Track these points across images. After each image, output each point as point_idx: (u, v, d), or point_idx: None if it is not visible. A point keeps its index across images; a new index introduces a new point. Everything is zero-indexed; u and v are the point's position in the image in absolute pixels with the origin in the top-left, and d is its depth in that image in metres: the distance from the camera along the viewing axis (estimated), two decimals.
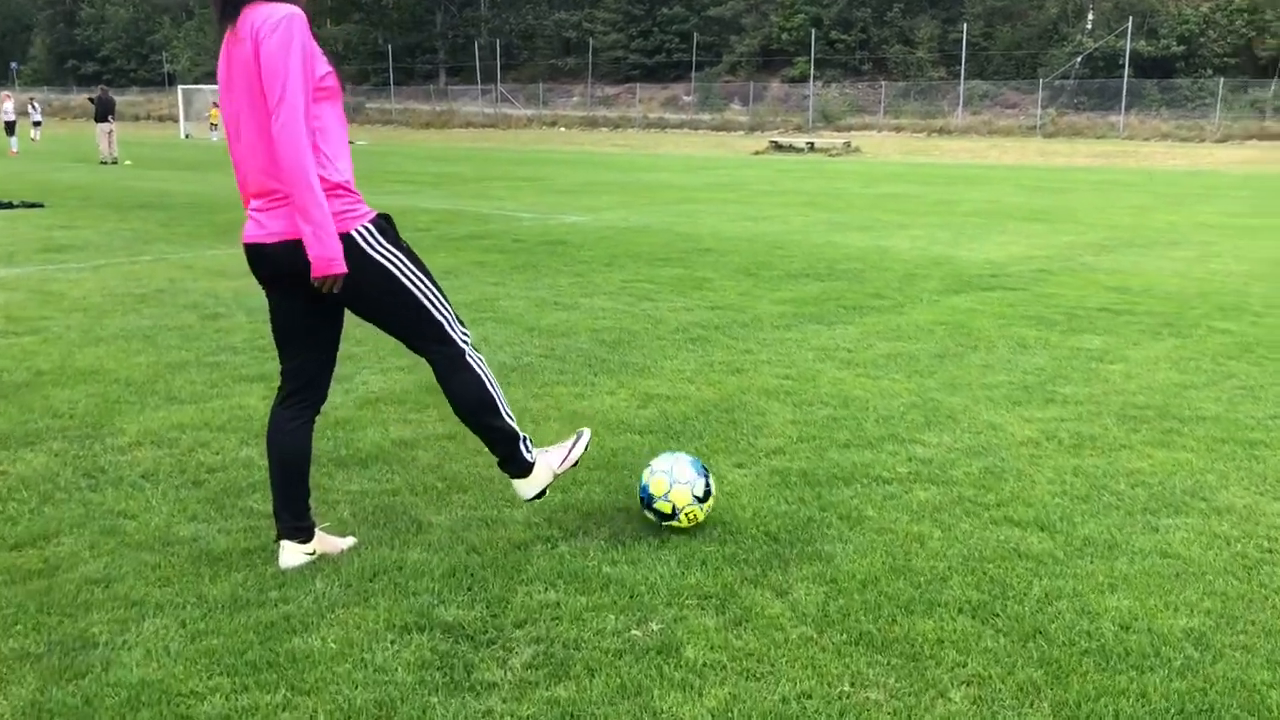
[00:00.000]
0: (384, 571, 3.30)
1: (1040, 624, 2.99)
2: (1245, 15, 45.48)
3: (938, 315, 7.49)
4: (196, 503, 3.88)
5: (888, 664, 2.79)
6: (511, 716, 2.54)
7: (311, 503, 3.41)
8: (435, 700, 2.60)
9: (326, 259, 3.00)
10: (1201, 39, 45.98)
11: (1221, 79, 43.01)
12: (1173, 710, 2.58)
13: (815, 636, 2.93)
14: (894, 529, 3.67)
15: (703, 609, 3.08)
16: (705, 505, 3.59)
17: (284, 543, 3.35)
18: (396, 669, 2.74)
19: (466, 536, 3.56)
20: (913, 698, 2.63)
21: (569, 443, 3.62)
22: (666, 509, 3.56)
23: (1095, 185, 22.26)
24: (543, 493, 3.54)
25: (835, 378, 5.71)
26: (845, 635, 2.93)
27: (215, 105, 48.43)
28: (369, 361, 5.98)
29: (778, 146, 38.92)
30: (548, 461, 3.54)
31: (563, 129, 53.98)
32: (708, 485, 3.60)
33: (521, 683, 2.69)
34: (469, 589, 3.19)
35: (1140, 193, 20.16)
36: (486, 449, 3.52)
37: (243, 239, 3.21)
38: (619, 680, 2.70)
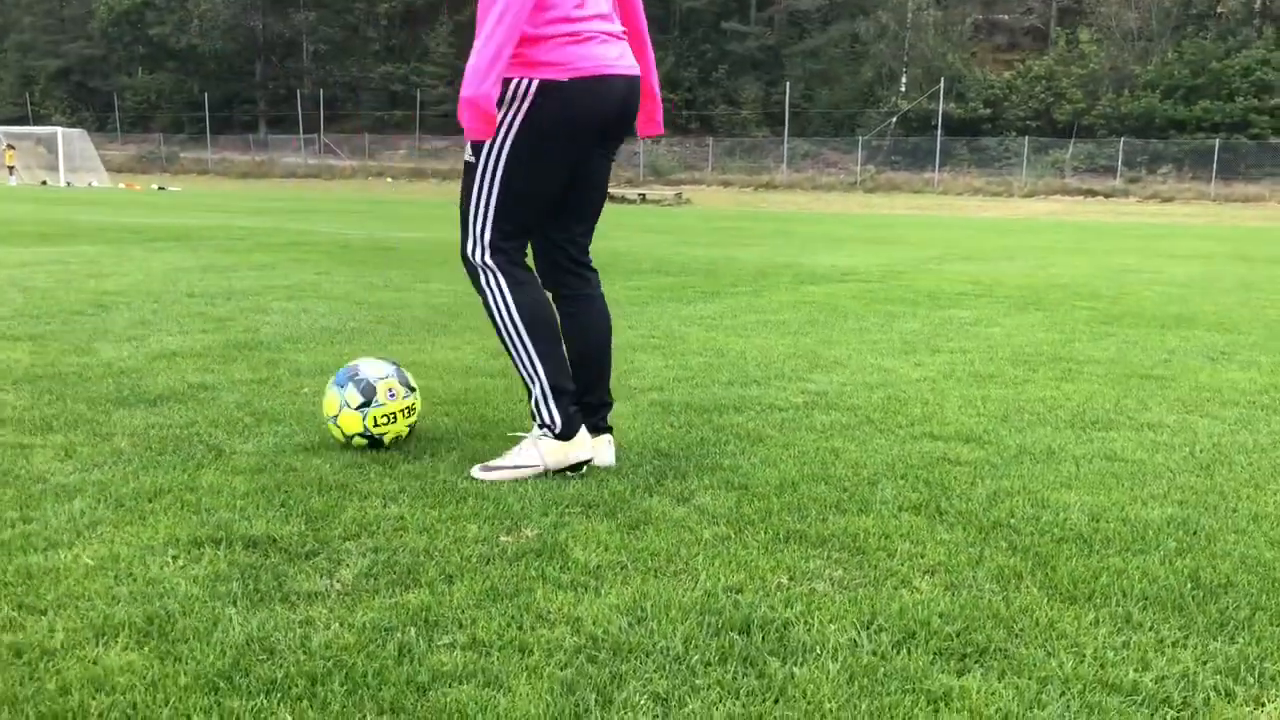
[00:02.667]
0: (168, 491, 2.53)
1: (997, 518, 2.47)
2: (1044, 82, 48.48)
3: (798, 297, 7.09)
4: None
5: (828, 557, 2.20)
6: (343, 624, 1.83)
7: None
8: (231, 612, 1.87)
9: None
10: (1005, 103, 48.73)
11: (1026, 139, 45.56)
12: (1188, 582, 2.08)
13: (733, 535, 2.33)
14: (801, 444, 3.11)
15: (588, 516, 2.44)
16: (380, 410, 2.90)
17: (604, 437, 2.82)
18: (179, 582, 1.99)
19: (281, 460, 2.82)
20: (870, 588, 2.05)
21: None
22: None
23: (919, 224, 22.81)
24: (504, 480, 2.68)
25: (705, 337, 5.17)
26: (769, 533, 2.33)
27: (11, 147, 45.37)
28: (163, 324, 5.11)
29: (609, 198, 38.88)
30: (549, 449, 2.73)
31: (389, 180, 52.79)
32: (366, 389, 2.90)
33: (354, 590, 1.98)
34: (282, 505, 2.45)
35: (964, 229, 20.70)
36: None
37: (600, 68, 2.62)
38: (488, 584, 2.02)
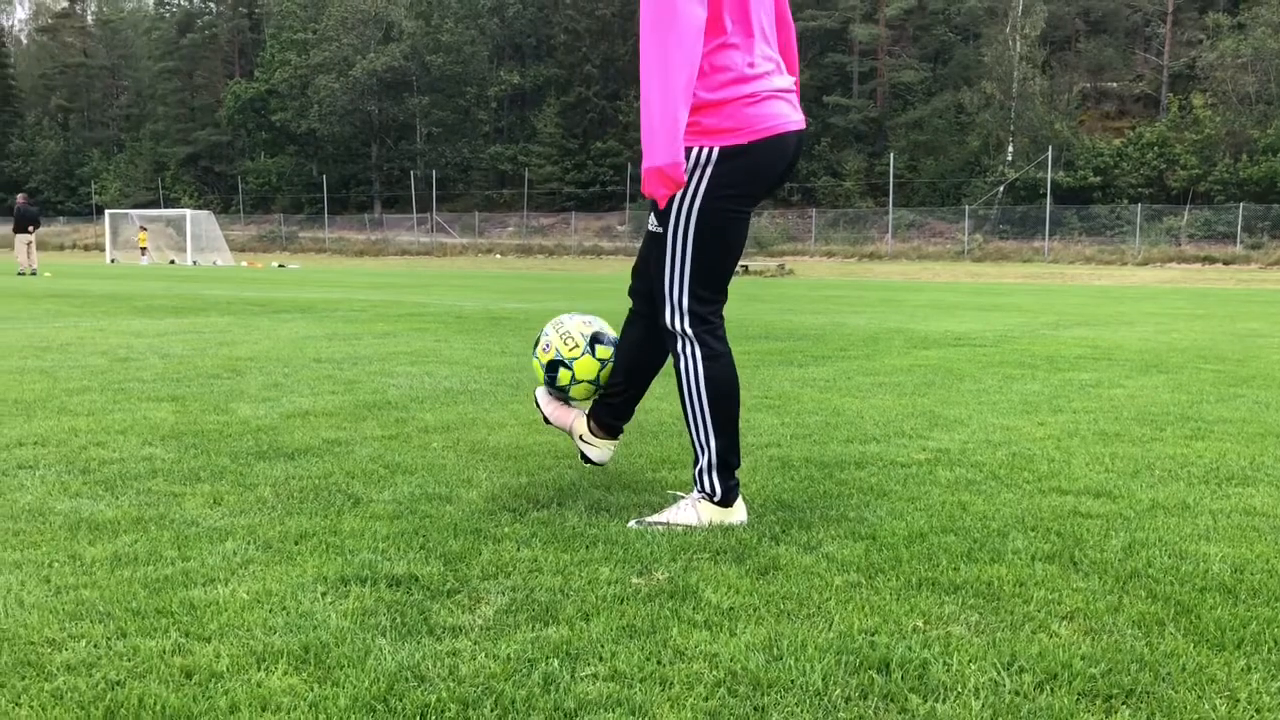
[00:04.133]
0: (313, 535, 2.64)
1: (1134, 568, 2.42)
2: (1156, 149, 47.51)
3: (912, 360, 7.04)
4: (81, 484, 3.18)
5: (962, 603, 2.19)
6: (488, 655, 1.89)
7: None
8: (383, 642, 1.94)
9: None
10: (1116, 170, 47.83)
11: (1139, 206, 44.57)
12: None
13: (863, 581, 2.33)
14: (927, 499, 3.09)
15: (716, 561, 2.47)
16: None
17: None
18: (329, 615, 2.08)
19: (416, 508, 2.92)
20: (1007, 631, 2.03)
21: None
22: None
23: (1031, 292, 22.42)
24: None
25: (819, 398, 5.18)
26: (900, 580, 2.33)
27: (144, 229, 47.80)
28: (295, 386, 5.32)
29: None
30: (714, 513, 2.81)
31: (499, 256, 54.04)
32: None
33: (497, 625, 2.04)
34: (421, 547, 2.54)
35: (1078, 296, 20.28)
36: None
37: (776, 127, 2.68)
38: (624, 621, 2.06)
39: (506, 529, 2.71)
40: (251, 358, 6.65)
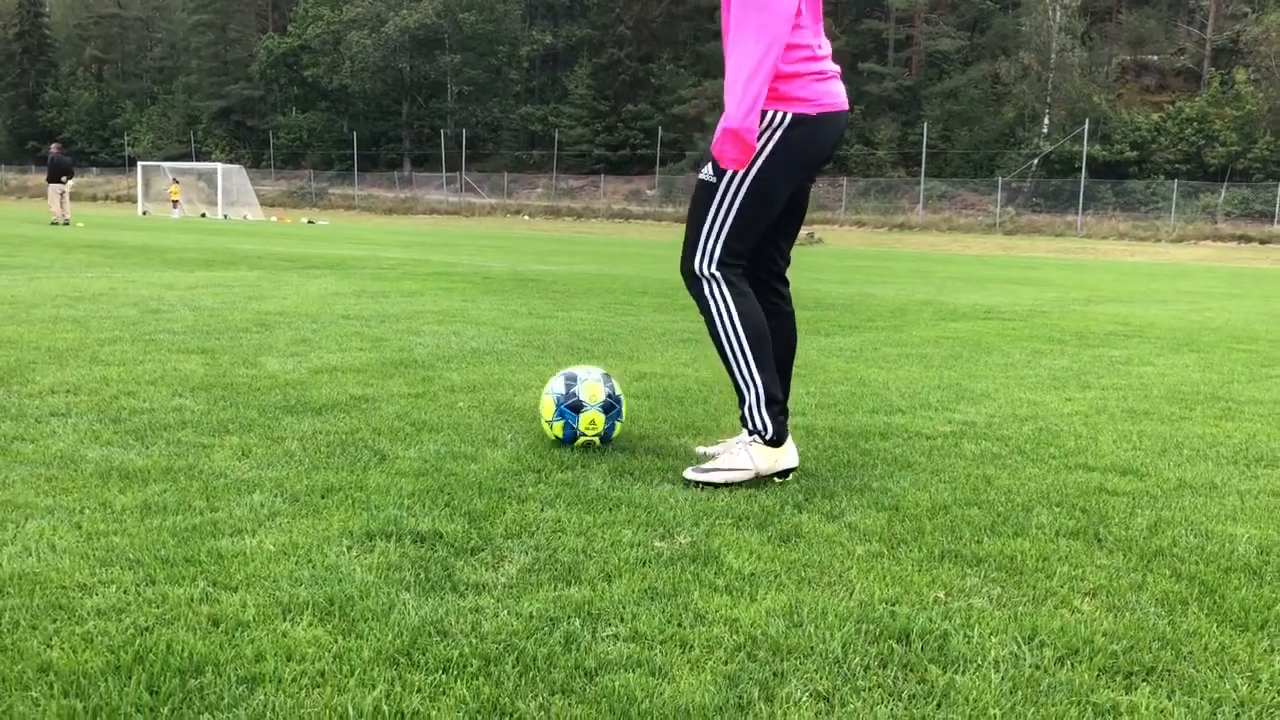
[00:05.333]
0: (339, 489, 2.67)
1: (1159, 547, 2.41)
2: (1195, 124, 46.78)
3: (940, 333, 7.00)
4: (113, 433, 3.22)
5: (984, 576, 2.19)
6: (510, 613, 1.91)
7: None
8: (407, 597, 1.96)
9: None
10: (1153, 145, 47.16)
11: (1175, 182, 43.97)
12: None
13: (885, 551, 2.33)
14: (951, 471, 3.09)
15: (739, 527, 2.47)
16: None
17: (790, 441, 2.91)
18: (354, 569, 2.10)
19: (442, 466, 2.94)
20: (1029, 605, 2.03)
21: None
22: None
23: (1062, 267, 22.21)
24: (717, 483, 2.80)
25: (846, 368, 5.16)
26: (923, 551, 2.33)
27: (176, 182, 47.98)
28: (323, 342, 5.35)
29: None
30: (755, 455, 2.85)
31: (526, 217, 54.00)
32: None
33: (520, 584, 2.06)
34: (446, 505, 2.56)
35: (1110, 272, 20.08)
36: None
37: (837, 104, 2.84)
38: (645, 583, 2.07)
39: (531, 489, 2.72)
40: (280, 312, 6.69)
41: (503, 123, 64.35)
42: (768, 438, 2.84)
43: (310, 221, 43.97)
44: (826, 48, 2.86)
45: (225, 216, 45.94)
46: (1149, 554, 2.36)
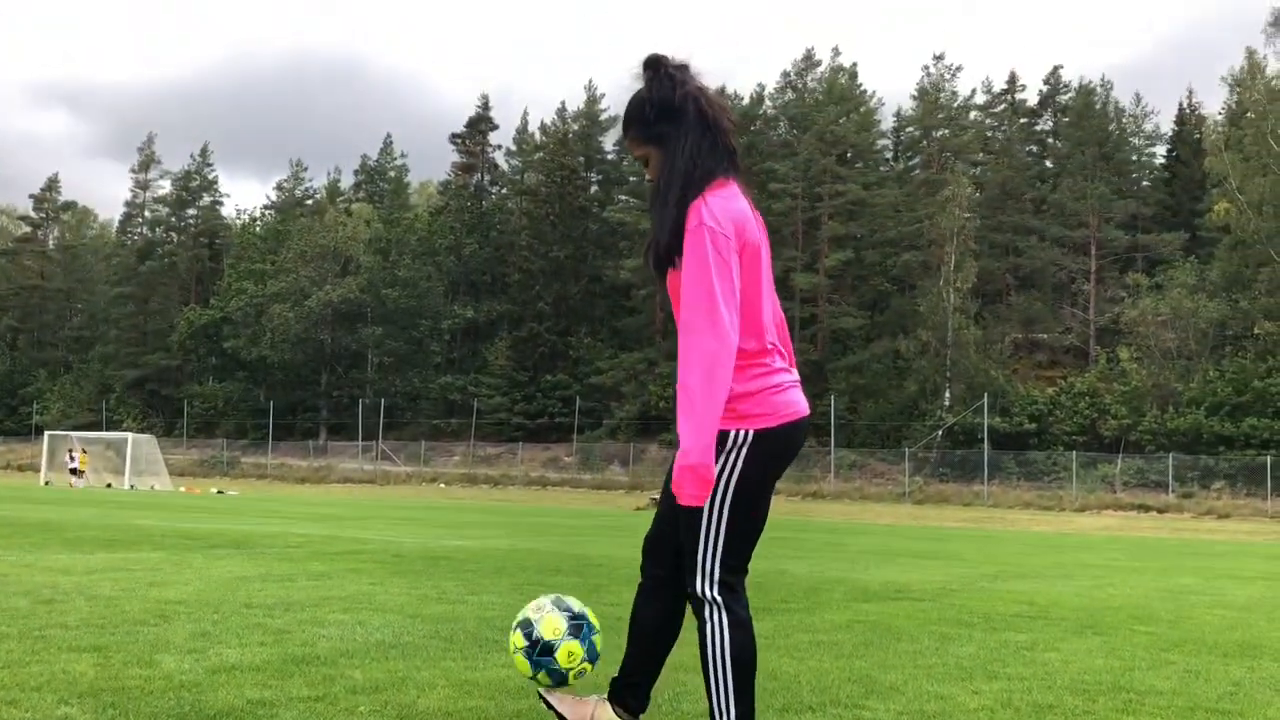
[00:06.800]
0: None
1: None
2: (1087, 398, 49.29)
3: (852, 616, 7.04)
4: None
5: None
6: None
7: None
8: None
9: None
10: (1050, 418, 49.37)
11: (1074, 453, 45.73)
12: None
13: None
14: None
15: None
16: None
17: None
18: None
19: None
20: None
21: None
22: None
23: (972, 539, 22.62)
24: None
25: (759, 659, 5.14)
26: None
27: (84, 451, 47.02)
28: (223, 636, 5.19)
29: (656, 503, 39.13)
30: None
31: (443, 485, 53.70)
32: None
33: None
34: None
35: (1018, 544, 20.49)
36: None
37: (798, 413, 2.98)
38: None
39: None
40: (181, 601, 6.49)
41: (422, 392, 65.11)
42: None
43: (220, 492, 43.12)
44: (785, 355, 3.03)
45: (132, 486, 44.90)
46: None
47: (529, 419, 60.86)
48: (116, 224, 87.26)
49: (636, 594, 3.24)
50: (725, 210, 2.89)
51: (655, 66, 2.99)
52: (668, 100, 2.95)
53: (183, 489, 44.54)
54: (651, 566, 3.18)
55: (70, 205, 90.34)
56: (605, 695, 3.26)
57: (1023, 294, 60.03)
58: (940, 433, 49.94)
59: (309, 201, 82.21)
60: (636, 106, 3.01)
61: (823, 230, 59.45)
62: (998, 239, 61.32)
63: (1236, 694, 4.63)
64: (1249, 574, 13.30)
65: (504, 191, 75.63)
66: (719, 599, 2.94)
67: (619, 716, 3.19)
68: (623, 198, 68.72)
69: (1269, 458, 41.32)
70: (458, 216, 71.69)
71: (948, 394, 52.22)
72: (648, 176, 3.07)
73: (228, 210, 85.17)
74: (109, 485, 45.55)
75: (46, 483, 46.11)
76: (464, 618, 6.24)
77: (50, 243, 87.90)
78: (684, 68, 2.98)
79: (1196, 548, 21.64)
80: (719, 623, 2.93)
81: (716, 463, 2.88)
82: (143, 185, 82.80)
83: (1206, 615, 7.86)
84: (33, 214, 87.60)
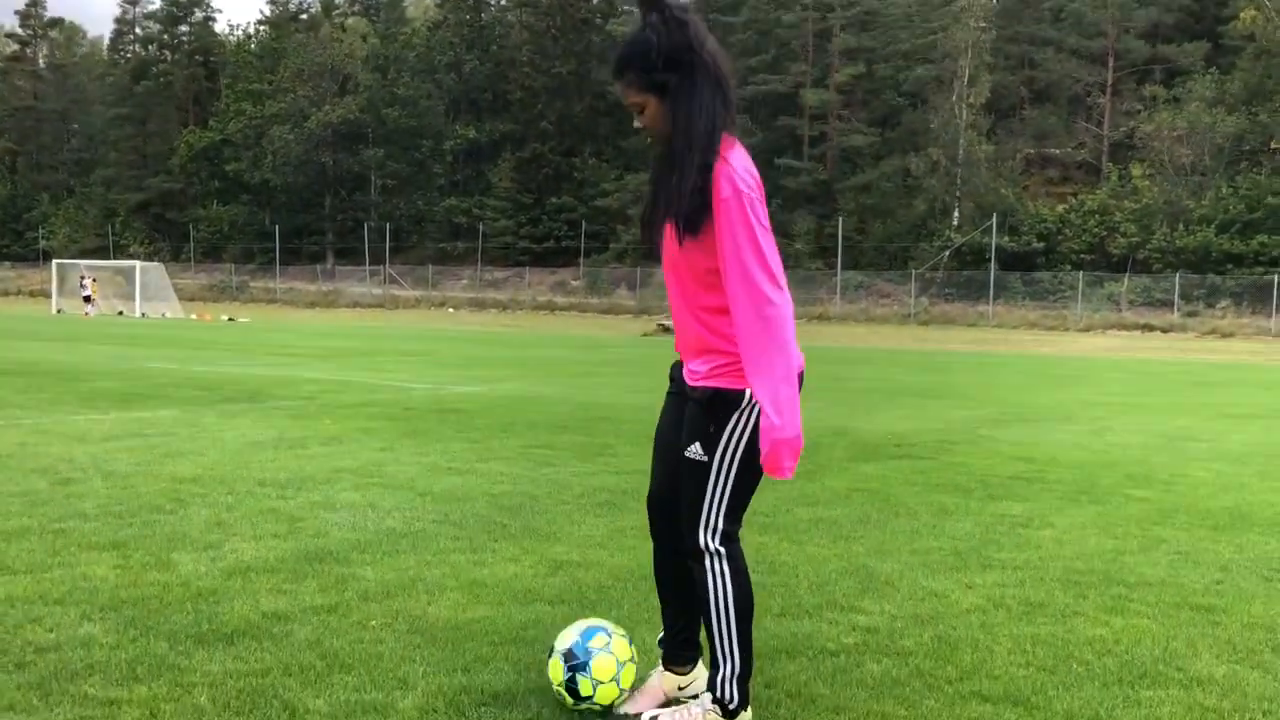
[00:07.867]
0: None
1: None
2: (1097, 216, 48.77)
3: (851, 482, 7.19)
4: (16, 688, 3.19)
5: None
6: None
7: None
8: None
9: None
10: (1059, 236, 49.00)
11: (1080, 273, 45.61)
12: None
13: None
14: (851, 707, 3.20)
15: None
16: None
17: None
18: None
19: (352, 717, 2.97)
20: None
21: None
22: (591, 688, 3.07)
23: (975, 366, 22.84)
24: None
25: (759, 543, 5.28)
26: None
27: (94, 280, 47.19)
28: (238, 527, 5.34)
29: (665, 329, 39.32)
30: None
31: (451, 309, 54.04)
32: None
33: None
34: None
35: (1021, 373, 20.71)
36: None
37: (798, 367, 2.99)
38: None
39: None
40: (195, 479, 6.64)
41: (427, 215, 64.65)
42: (730, 708, 2.98)
43: (231, 319, 43.50)
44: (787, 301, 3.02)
45: (143, 314, 45.23)
46: None
47: (535, 242, 60.60)
48: (107, 42, 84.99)
49: (654, 553, 3.28)
50: (747, 169, 2.84)
51: (660, 8, 2.81)
52: (680, 50, 2.76)
53: (194, 315, 44.90)
54: (661, 522, 3.20)
55: (57, 22, 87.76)
56: (661, 666, 3.31)
57: (1037, 108, 58.62)
58: (947, 253, 49.70)
59: (303, 16, 79.62)
60: (640, 51, 2.79)
61: (834, 43, 57.58)
62: (1013, 50, 59.46)
63: (1223, 583, 4.77)
64: (1248, 409, 13.48)
65: (504, 3, 73.02)
66: (721, 549, 2.98)
67: (675, 675, 3.26)
68: (627, 8, 66.32)
69: (1277, 276, 41.21)
70: (456, 31, 69.49)
71: (957, 213, 51.71)
72: (637, 124, 2.93)
73: (220, 26, 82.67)
74: (120, 313, 45.91)
75: (59, 310, 46.49)
76: (473, 495, 6.38)
77: (40, 62, 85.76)
78: (686, 8, 2.81)
79: (1199, 373, 21.83)
80: (721, 572, 2.98)
81: (728, 422, 2.90)
82: (131, 1, 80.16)
83: (1202, 472, 8.00)
84: (20, 31, 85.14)
